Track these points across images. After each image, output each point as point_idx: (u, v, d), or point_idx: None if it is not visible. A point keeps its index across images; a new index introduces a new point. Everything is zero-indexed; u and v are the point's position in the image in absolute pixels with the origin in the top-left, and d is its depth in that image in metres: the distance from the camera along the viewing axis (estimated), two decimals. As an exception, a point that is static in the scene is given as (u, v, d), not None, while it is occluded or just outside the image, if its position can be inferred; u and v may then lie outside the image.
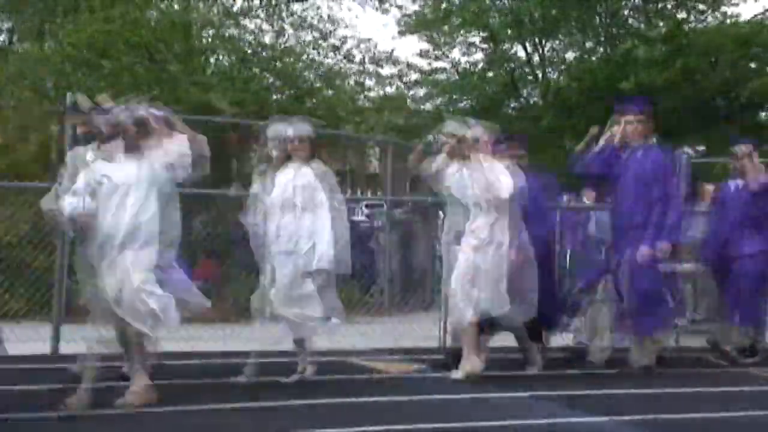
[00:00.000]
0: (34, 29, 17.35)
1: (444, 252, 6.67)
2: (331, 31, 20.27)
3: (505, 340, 7.10)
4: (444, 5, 22.48)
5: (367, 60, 21.20)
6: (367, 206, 19.72)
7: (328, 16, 19.63)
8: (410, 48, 24.30)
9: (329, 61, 20.23)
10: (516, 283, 6.06)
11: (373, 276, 11.07)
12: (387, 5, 22.41)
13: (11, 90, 14.78)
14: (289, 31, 18.50)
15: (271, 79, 21.52)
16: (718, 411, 5.20)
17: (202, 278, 9.85)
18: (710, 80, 17.62)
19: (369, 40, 20.53)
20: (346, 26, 21.19)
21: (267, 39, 18.08)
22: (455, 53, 23.68)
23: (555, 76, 21.93)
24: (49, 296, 7.41)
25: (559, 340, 7.78)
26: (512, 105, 23.45)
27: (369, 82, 21.36)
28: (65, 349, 6.73)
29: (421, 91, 24.36)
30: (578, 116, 18.42)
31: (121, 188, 4.91)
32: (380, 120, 20.44)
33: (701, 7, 20.86)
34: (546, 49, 22.66)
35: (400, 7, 23.04)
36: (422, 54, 23.51)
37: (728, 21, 19.48)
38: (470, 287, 5.96)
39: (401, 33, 23.73)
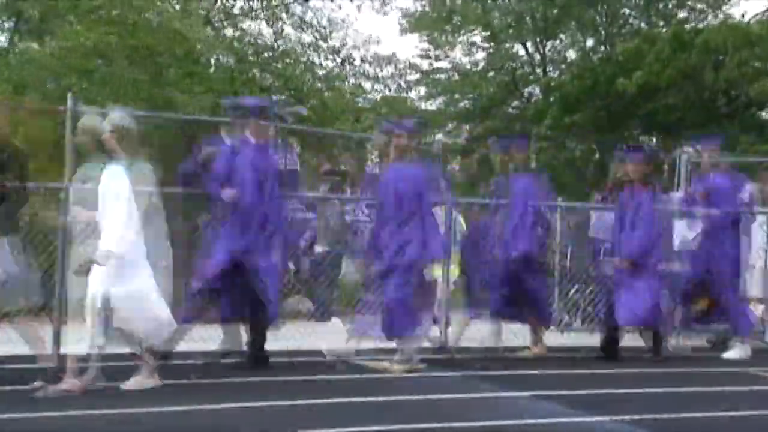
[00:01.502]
0: (34, 29, 17.35)
1: None
2: (330, 32, 20.30)
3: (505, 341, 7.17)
4: (447, 3, 22.55)
5: (366, 61, 21.24)
6: (367, 206, 19.69)
7: (328, 18, 19.65)
8: (411, 48, 24.28)
9: (328, 62, 20.28)
10: None
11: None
12: (387, 8, 22.52)
13: (9, 89, 14.81)
14: (290, 32, 18.53)
15: (270, 80, 21.50)
16: (718, 411, 5.21)
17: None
18: (714, 79, 17.61)
19: (371, 36, 20.57)
20: (346, 27, 21.24)
21: (266, 40, 18.16)
22: (456, 53, 23.75)
23: (556, 75, 21.99)
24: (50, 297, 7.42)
25: (561, 339, 7.81)
26: (514, 104, 23.49)
27: (367, 85, 21.39)
28: (66, 350, 6.73)
29: (421, 91, 24.42)
30: (580, 114, 18.47)
31: None
32: (378, 121, 20.47)
33: (701, 6, 20.93)
34: (547, 48, 22.70)
35: (402, 9, 23.21)
36: (423, 54, 23.58)
37: (729, 20, 19.50)
38: None
39: (403, 32, 23.80)
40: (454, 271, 8.36)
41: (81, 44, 14.48)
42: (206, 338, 7.04)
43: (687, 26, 19.62)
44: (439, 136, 22.88)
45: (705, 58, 17.45)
